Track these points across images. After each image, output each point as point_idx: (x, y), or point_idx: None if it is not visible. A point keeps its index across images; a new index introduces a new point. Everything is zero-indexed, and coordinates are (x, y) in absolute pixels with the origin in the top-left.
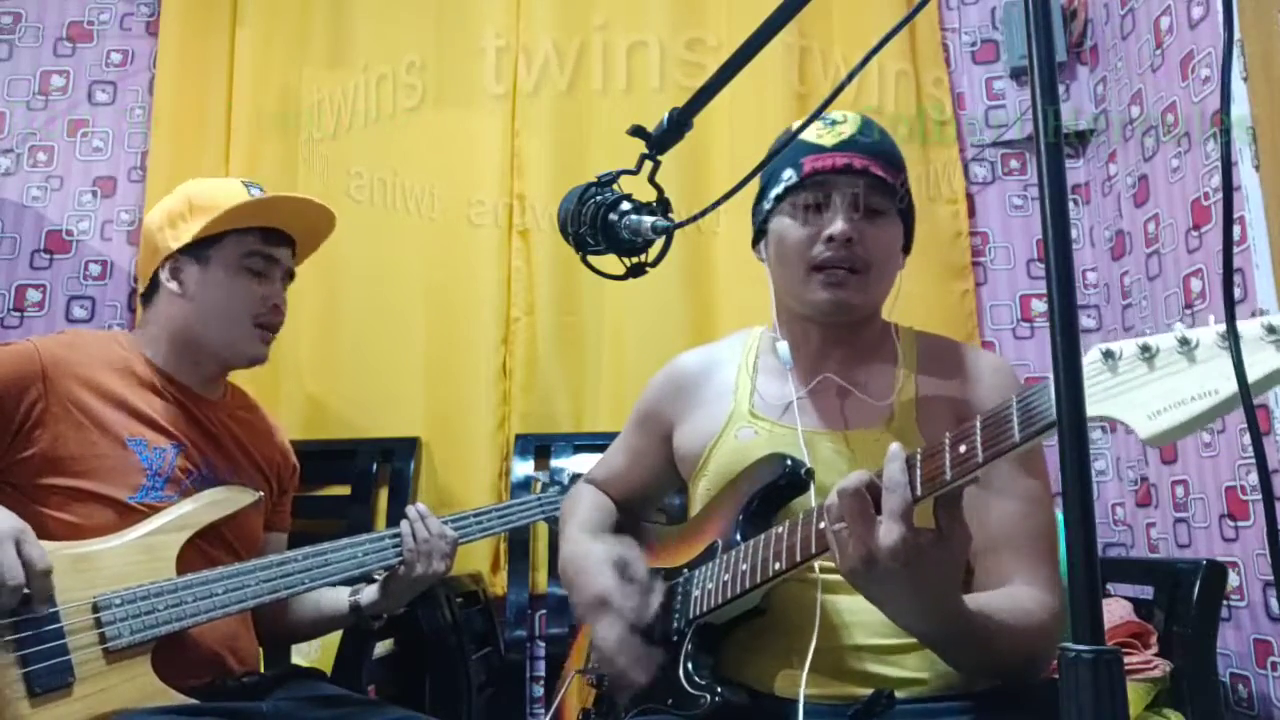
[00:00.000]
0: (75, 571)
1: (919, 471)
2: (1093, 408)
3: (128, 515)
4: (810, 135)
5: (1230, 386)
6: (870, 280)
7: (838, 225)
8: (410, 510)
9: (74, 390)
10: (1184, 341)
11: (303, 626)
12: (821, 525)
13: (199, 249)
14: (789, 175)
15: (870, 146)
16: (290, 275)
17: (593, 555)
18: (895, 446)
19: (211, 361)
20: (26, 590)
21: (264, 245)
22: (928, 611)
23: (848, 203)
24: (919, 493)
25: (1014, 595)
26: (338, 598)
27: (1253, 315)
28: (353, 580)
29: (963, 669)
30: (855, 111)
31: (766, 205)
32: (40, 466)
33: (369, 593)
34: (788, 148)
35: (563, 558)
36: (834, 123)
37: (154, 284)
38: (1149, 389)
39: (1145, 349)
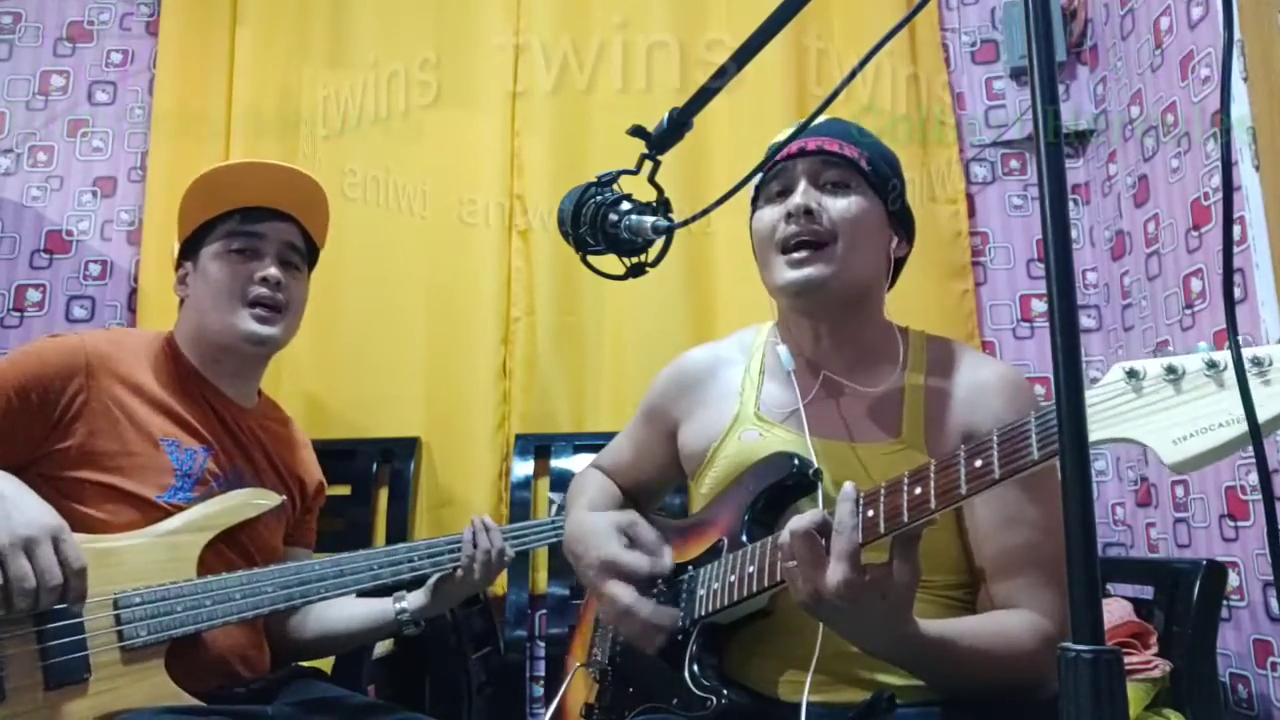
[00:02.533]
0: (99, 566)
1: (902, 498)
2: (1116, 429)
3: (152, 514)
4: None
5: (1262, 413)
6: (838, 253)
7: (794, 199)
8: (476, 520)
9: (114, 387)
10: (1211, 364)
11: (328, 640)
12: (778, 558)
13: (191, 250)
14: (760, 176)
15: (825, 128)
16: (295, 249)
17: (598, 525)
18: (849, 486)
19: (220, 352)
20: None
21: (242, 224)
22: (880, 639)
23: (806, 180)
24: (933, 506)
25: (1001, 620)
26: (381, 607)
27: None
28: (366, 594)
29: (941, 690)
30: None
31: (751, 210)
32: (75, 459)
33: (415, 597)
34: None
35: (567, 533)
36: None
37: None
38: (1175, 413)
39: (1171, 370)
